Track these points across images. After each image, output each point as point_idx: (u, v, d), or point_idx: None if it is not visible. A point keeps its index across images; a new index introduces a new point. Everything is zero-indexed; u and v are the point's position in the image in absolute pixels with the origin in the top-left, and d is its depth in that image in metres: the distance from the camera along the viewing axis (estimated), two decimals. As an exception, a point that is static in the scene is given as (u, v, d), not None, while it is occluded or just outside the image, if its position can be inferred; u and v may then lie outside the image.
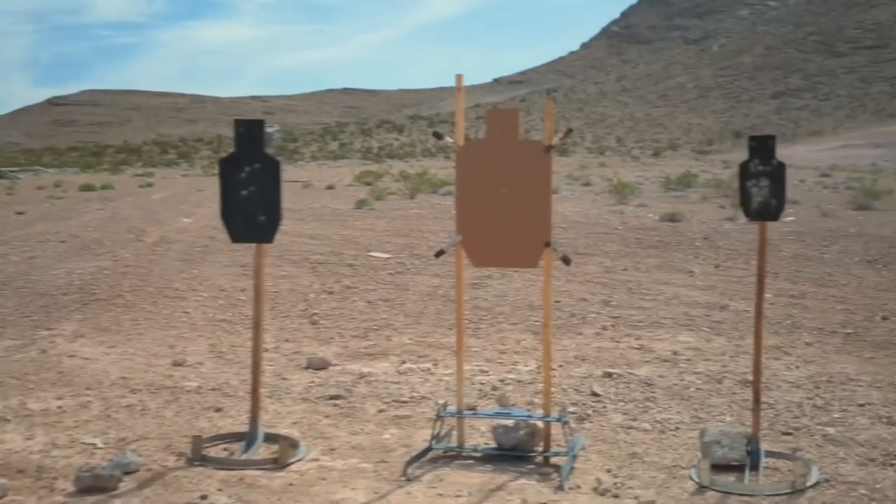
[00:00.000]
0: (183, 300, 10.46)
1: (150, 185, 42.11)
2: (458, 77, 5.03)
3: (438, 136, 5.05)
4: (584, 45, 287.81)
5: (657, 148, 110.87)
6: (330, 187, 37.16)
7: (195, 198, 31.35)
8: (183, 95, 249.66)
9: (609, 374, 6.79)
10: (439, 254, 5.02)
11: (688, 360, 7.26)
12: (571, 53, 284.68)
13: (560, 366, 7.09)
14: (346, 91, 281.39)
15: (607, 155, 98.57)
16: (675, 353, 7.48)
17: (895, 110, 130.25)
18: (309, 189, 36.56)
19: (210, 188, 33.93)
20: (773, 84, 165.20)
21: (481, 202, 4.92)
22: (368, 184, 38.70)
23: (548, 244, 4.83)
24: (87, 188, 37.78)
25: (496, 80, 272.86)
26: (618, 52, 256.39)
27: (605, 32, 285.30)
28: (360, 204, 25.46)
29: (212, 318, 9.41)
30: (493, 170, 4.89)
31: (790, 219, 20.22)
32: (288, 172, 52.64)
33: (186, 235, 17.08)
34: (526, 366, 7.23)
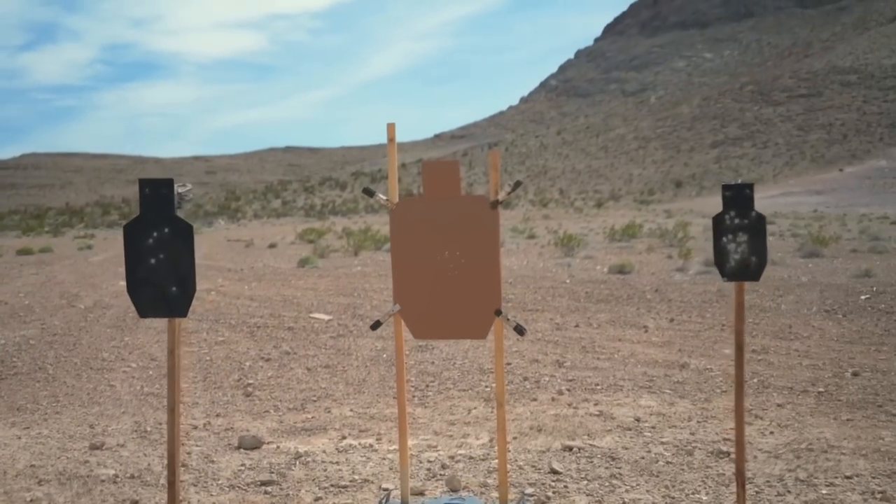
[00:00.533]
0: (110, 371, 9.71)
1: (89, 247, 40.98)
2: (390, 126, 4.49)
3: (370, 193, 4.51)
4: (524, 100, 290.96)
5: (599, 198, 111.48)
6: (272, 245, 36.40)
7: (132, 260, 30.42)
8: (124, 157, 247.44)
9: (569, 448, 6.19)
10: (375, 325, 4.46)
11: (652, 427, 6.71)
12: (511, 108, 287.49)
13: (515, 438, 6.51)
14: (288, 149, 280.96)
15: (550, 207, 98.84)
16: (637, 419, 6.93)
17: (833, 157, 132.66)
18: (251, 248, 35.78)
19: (148, 249, 33.01)
20: (712, 133, 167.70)
21: (421, 267, 4.40)
22: (311, 241, 38.00)
23: (498, 312, 4.30)
24: (24, 252, 36.54)
25: (437, 136, 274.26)
26: (557, 106, 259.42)
27: (544, 86, 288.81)
28: (303, 262, 24.78)
29: (139, 392, 8.67)
30: (434, 230, 4.37)
31: (739, 268, 19.95)
32: (230, 231, 51.82)
33: (122, 300, 16.24)
34: (478, 439, 6.63)
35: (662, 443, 6.29)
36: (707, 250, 24.19)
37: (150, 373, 9.62)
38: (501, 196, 4.30)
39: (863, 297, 14.26)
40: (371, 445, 6.50)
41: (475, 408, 7.60)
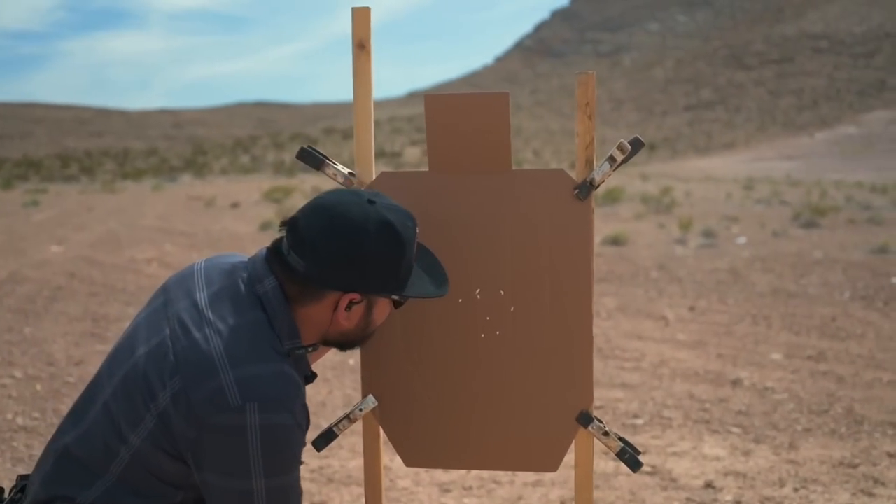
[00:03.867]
0: (-14, 381, 7.30)
1: (35, 203, 38.37)
2: (359, 13, 2.36)
3: (311, 157, 2.34)
4: (498, 59, 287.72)
5: (573, 160, 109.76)
6: (235, 205, 34.05)
7: (80, 219, 27.97)
8: (88, 108, 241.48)
9: None
10: (323, 441, 2.42)
11: (737, 502, 4.67)
12: (486, 67, 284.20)
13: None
14: (258, 104, 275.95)
15: (525, 167, 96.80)
16: (710, 485, 4.90)
17: (804, 123, 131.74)
18: (211, 207, 33.44)
19: (101, 207, 30.74)
20: (685, 97, 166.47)
21: (422, 321, 2.39)
22: (277, 201, 35.71)
23: (587, 419, 2.32)
24: (-38, 207, 33.99)
25: (411, 94, 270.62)
26: (531, 66, 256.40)
27: (519, 46, 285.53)
28: (265, 227, 22.60)
29: (10, 425, 6.17)
30: (450, 243, 2.34)
31: (741, 239, 18.16)
32: (193, 188, 49.53)
33: (43, 272, 13.85)
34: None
35: (763, 535, 4.30)
36: (702, 219, 22.38)
37: (38, 388, 7.12)
38: (602, 173, 2.29)
39: (894, 281, 12.47)
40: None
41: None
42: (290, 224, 1.96)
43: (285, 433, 1.81)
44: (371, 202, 1.93)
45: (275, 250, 1.98)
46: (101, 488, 1.85)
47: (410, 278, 1.99)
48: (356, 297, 1.94)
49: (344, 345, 2.08)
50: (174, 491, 1.89)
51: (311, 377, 2.03)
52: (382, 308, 2.04)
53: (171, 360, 1.83)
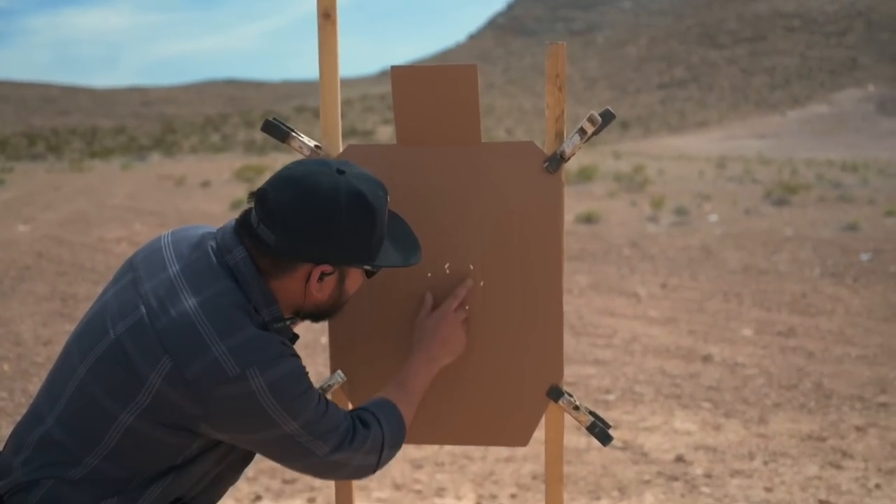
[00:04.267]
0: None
1: (1, 182, 37.92)
2: None
3: (277, 130, 2.30)
4: (472, 37, 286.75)
5: (546, 140, 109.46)
6: (205, 184, 33.80)
7: (47, 198, 27.67)
8: (54, 86, 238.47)
9: None
10: None
11: (707, 476, 4.72)
12: (459, 45, 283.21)
13: (512, 496, 4.54)
14: (229, 82, 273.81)
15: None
16: (680, 458, 4.95)
17: (775, 102, 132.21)
18: (182, 186, 33.18)
19: (69, 186, 30.34)
20: (658, 75, 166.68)
21: (390, 298, 2.36)
22: (248, 180, 35.50)
23: (557, 393, 2.32)
24: (-74, 187, 33.50)
25: (383, 72, 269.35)
26: (504, 44, 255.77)
27: (492, 24, 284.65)
28: (236, 206, 22.46)
29: None
30: (418, 217, 2.29)
31: (713, 217, 18.25)
32: (163, 167, 49.16)
33: (11, 251, 13.70)
34: (459, 499, 4.66)
35: (735, 511, 4.33)
36: (675, 197, 22.45)
37: (6, 368, 7.11)
38: (572, 146, 2.26)
39: (864, 258, 12.58)
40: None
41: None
42: (259, 196, 1.91)
43: (292, 378, 1.84)
44: (341, 172, 1.90)
45: (244, 222, 1.93)
46: (89, 466, 1.83)
47: (382, 248, 1.97)
48: (328, 268, 1.92)
49: (317, 316, 2.06)
50: (168, 459, 1.87)
51: (294, 338, 2.01)
52: (354, 278, 2.02)
53: (154, 339, 1.80)
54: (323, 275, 1.93)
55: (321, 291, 1.96)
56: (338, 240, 1.87)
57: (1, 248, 14.05)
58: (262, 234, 1.88)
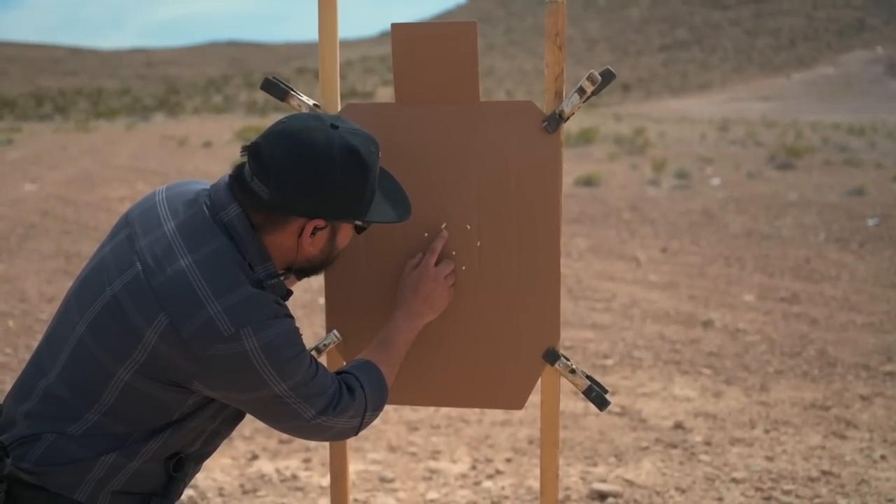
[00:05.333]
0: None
1: (10, 141, 37.77)
2: None
3: (276, 88, 2.27)
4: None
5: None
6: (207, 144, 33.68)
7: (54, 157, 27.64)
8: (61, 47, 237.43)
9: (601, 497, 4.06)
10: None
11: (706, 443, 4.64)
12: (459, 7, 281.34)
13: (508, 460, 4.48)
14: (231, 44, 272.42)
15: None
16: (678, 424, 4.86)
17: (780, 64, 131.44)
18: (184, 146, 33.03)
19: (75, 145, 30.36)
20: (660, 37, 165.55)
21: (387, 256, 2.31)
22: (250, 140, 35.22)
23: (553, 356, 2.26)
24: (-64, 146, 33.34)
25: (383, 34, 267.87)
26: (504, 5, 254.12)
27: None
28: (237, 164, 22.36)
29: None
30: (415, 176, 2.24)
31: (716, 181, 18.12)
32: (166, 127, 48.93)
33: (17, 210, 13.74)
34: (454, 462, 4.60)
35: (733, 480, 4.23)
36: (676, 161, 22.29)
37: (10, 324, 7.16)
38: (571, 105, 2.17)
39: (870, 223, 12.48)
40: (294, 476, 4.41)
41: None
42: (252, 150, 1.90)
43: (286, 340, 1.86)
44: (334, 126, 1.90)
45: (237, 177, 1.93)
46: (90, 421, 1.87)
47: (373, 204, 1.97)
48: (321, 223, 1.92)
49: (309, 271, 2.07)
50: (165, 415, 1.90)
51: (287, 294, 2.03)
52: (346, 233, 2.03)
53: (150, 297, 1.82)
54: (315, 229, 1.93)
55: (313, 246, 1.97)
56: (331, 194, 1.88)
57: (8, 206, 14.13)
58: (255, 188, 1.88)
